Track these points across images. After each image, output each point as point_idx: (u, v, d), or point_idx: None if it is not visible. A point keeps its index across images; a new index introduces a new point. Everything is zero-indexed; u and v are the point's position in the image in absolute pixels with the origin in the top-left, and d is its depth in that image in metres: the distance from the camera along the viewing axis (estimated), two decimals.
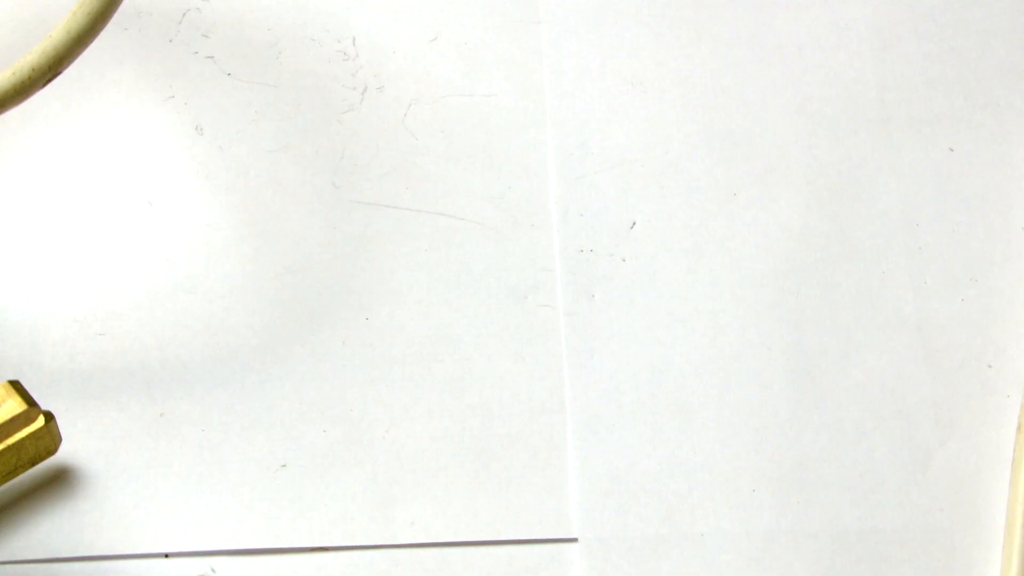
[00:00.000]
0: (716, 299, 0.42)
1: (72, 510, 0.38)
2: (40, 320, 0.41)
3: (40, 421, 0.37)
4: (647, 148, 0.45)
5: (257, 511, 0.38)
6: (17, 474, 0.37)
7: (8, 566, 0.37)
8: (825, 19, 0.47)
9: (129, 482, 0.39)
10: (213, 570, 0.38)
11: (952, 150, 0.45)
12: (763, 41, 0.47)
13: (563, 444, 0.40)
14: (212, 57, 0.47)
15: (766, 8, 0.48)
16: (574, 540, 0.39)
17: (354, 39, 0.48)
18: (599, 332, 0.42)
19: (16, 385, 0.37)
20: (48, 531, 0.38)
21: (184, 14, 0.48)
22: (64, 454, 0.38)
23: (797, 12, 0.47)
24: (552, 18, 0.48)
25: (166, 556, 0.38)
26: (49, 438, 0.37)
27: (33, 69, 0.34)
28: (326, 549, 0.38)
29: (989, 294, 0.42)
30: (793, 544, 0.39)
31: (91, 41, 0.35)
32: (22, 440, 0.37)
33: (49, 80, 0.35)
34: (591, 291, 0.42)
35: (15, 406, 0.36)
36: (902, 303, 0.42)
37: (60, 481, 0.39)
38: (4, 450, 0.37)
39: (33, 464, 0.38)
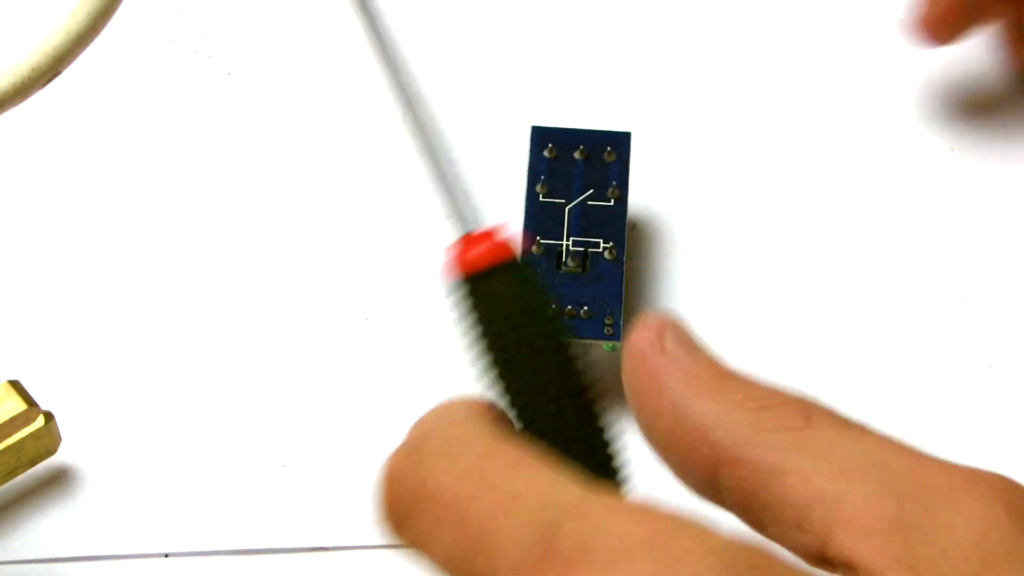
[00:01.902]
0: (715, 299, 0.42)
1: (72, 510, 0.38)
2: (40, 320, 0.41)
3: (40, 421, 0.37)
4: None
5: (257, 511, 0.38)
6: (17, 474, 0.37)
7: (8, 566, 0.37)
8: (825, 23, 0.47)
9: (129, 482, 0.39)
10: (213, 570, 0.38)
11: (952, 150, 0.45)
12: (761, 42, 0.47)
13: None
14: (212, 57, 0.47)
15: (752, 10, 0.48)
16: None
17: (354, 39, 0.47)
18: None
19: (16, 385, 0.37)
20: (48, 531, 0.38)
21: (184, 14, 0.48)
22: (64, 454, 0.38)
23: (795, 13, 0.48)
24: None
25: (166, 556, 0.38)
26: (49, 438, 0.37)
27: (33, 69, 0.34)
28: (326, 549, 0.38)
29: (989, 294, 0.42)
30: None
31: (91, 41, 0.35)
32: (22, 440, 0.37)
33: (49, 80, 0.35)
34: None
35: (15, 406, 0.36)
36: (902, 303, 0.42)
37: (60, 481, 0.39)
38: (4, 450, 0.37)
39: (33, 464, 0.38)
